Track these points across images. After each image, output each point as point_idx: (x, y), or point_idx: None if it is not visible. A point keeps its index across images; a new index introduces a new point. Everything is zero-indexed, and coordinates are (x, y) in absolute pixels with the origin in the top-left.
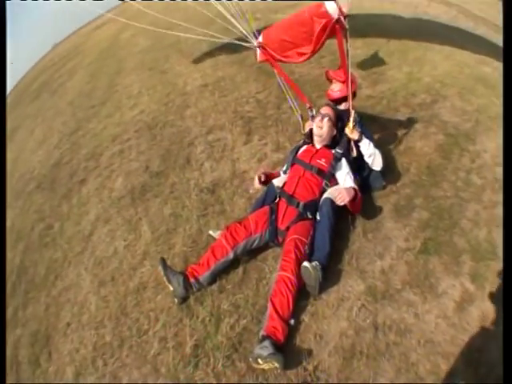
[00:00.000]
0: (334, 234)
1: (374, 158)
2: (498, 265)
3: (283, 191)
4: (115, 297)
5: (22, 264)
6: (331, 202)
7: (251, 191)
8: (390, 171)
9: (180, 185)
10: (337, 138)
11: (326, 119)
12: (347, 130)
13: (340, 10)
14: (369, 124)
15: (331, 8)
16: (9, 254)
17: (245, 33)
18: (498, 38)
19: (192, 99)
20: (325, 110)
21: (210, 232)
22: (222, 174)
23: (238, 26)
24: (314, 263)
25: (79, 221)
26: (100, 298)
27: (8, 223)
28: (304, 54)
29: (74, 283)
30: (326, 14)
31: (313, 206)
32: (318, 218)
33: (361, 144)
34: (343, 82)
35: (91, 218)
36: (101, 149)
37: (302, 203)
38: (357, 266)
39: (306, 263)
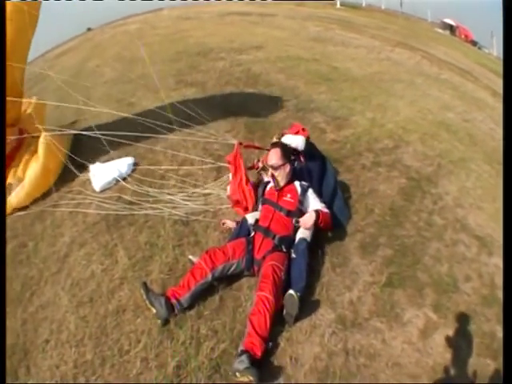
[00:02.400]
0: (309, 271)
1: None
2: (460, 297)
3: (258, 225)
4: (94, 317)
5: None
6: (306, 242)
7: (227, 225)
8: (355, 211)
9: (154, 215)
10: (296, 170)
11: (276, 169)
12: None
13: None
14: (335, 166)
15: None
16: None
17: None
18: (462, 82)
19: (160, 134)
20: (271, 157)
21: (190, 257)
22: (195, 208)
23: None
24: (298, 293)
25: (54, 242)
26: (79, 318)
27: None
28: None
29: (51, 301)
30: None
31: (287, 241)
32: (294, 255)
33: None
34: (297, 133)
35: (66, 240)
36: (72, 175)
37: (277, 236)
38: (327, 297)
39: (292, 291)
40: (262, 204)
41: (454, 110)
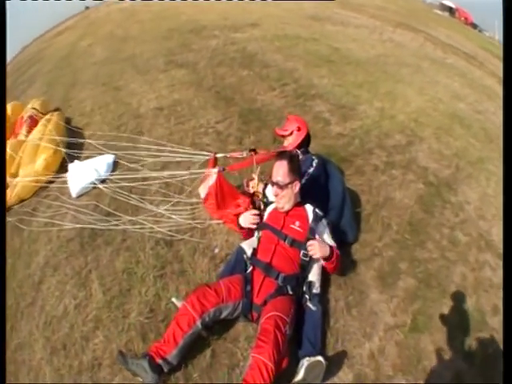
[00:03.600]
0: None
1: None
2: (488, 335)
3: (258, 259)
4: (69, 371)
5: None
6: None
7: (216, 251)
8: (370, 228)
9: (133, 231)
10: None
11: (281, 190)
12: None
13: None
14: (344, 168)
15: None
16: None
17: None
18: (468, 68)
19: (146, 124)
20: (276, 172)
21: (173, 299)
22: (180, 223)
23: None
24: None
25: (29, 262)
26: (53, 370)
27: None
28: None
29: (27, 342)
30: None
31: (294, 280)
32: (314, 308)
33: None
34: (290, 134)
35: (40, 260)
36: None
37: (282, 275)
38: (343, 350)
39: (321, 358)
40: (262, 229)
41: (465, 100)
